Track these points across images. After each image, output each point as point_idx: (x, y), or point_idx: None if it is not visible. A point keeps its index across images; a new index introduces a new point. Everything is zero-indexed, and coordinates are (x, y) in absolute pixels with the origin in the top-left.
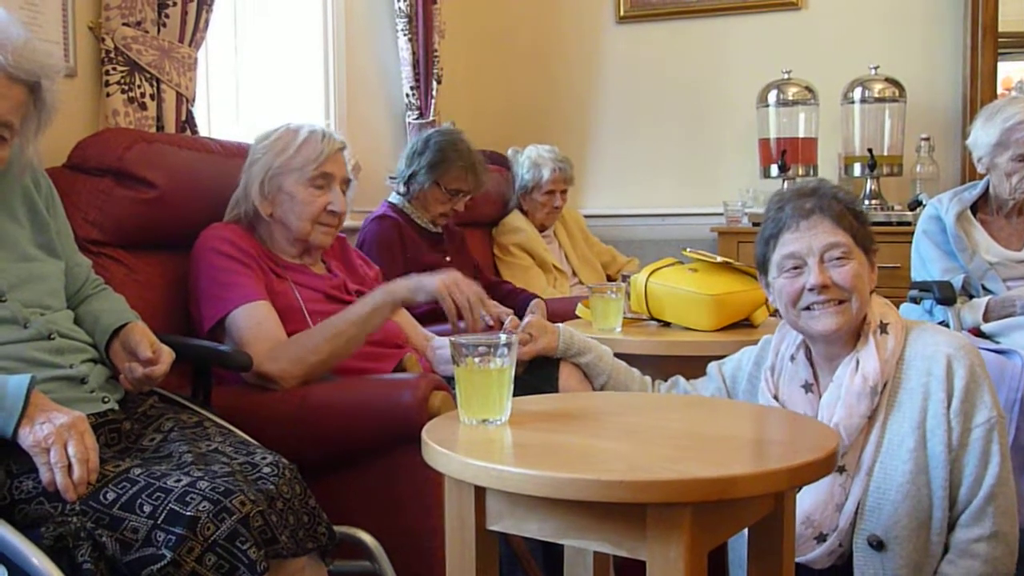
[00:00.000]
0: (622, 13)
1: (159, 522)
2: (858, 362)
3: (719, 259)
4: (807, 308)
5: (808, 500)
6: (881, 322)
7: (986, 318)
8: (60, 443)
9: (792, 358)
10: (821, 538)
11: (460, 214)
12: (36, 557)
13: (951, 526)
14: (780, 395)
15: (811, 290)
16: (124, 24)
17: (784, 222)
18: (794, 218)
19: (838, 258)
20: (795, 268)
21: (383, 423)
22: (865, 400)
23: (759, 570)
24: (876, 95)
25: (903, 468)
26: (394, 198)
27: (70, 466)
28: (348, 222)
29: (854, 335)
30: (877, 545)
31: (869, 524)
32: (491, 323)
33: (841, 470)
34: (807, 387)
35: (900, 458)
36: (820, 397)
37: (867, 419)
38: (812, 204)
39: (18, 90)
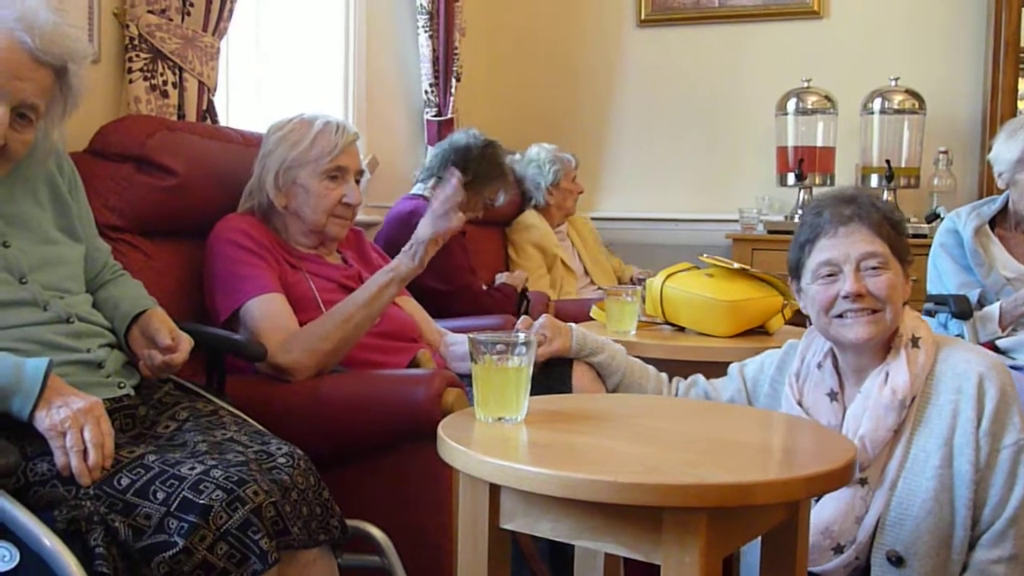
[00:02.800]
0: (643, 17)
1: (172, 509)
2: (888, 374)
3: (736, 265)
4: (839, 316)
5: (828, 511)
6: (913, 336)
7: (1002, 323)
8: (76, 427)
9: (819, 365)
10: (838, 549)
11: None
12: (49, 539)
13: (971, 545)
14: (804, 401)
15: (845, 298)
16: (149, 11)
17: (821, 227)
18: (832, 224)
19: (874, 267)
20: (830, 275)
21: (396, 418)
22: (893, 413)
23: None
24: (896, 106)
25: (927, 485)
26: (429, 193)
27: (85, 451)
28: (367, 217)
29: (884, 346)
30: (896, 561)
31: (889, 539)
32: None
33: (863, 483)
34: (832, 395)
35: (925, 475)
36: (844, 406)
37: (893, 433)
38: (851, 211)
39: (44, 73)
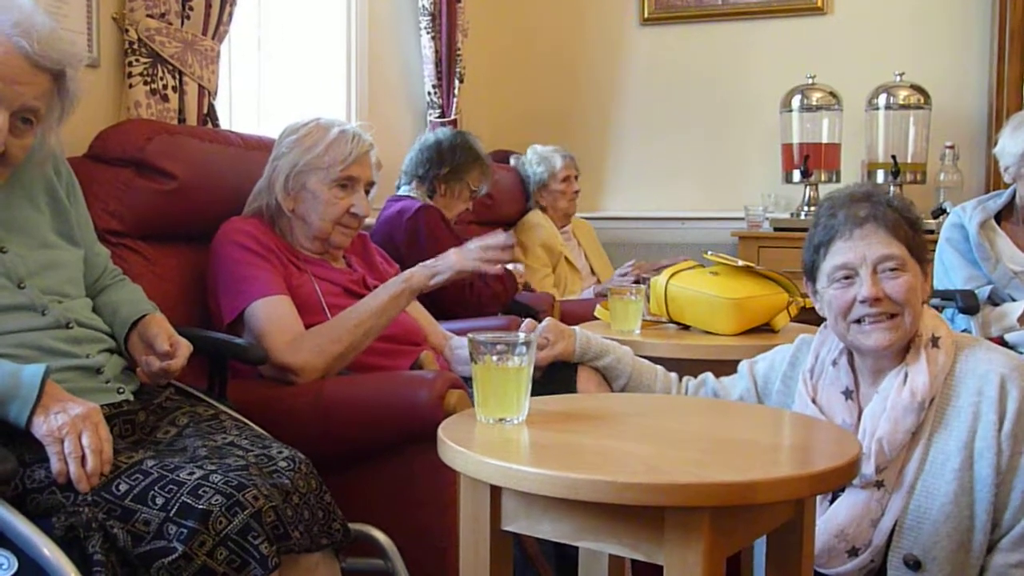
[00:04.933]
0: (646, 15)
1: (171, 515)
2: (907, 375)
3: (740, 263)
4: (857, 321)
5: (843, 513)
6: (933, 336)
7: (1022, 321)
8: (75, 433)
9: (834, 363)
10: (853, 552)
11: (483, 213)
12: (47, 547)
13: (989, 548)
14: (818, 399)
15: (863, 302)
16: (148, 15)
17: (836, 229)
18: (847, 226)
19: (892, 269)
20: (846, 278)
21: (398, 420)
22: (912, 415)
23: None
24: (901, 102)
25: (946, 488)
26: (410, 192)
27: (84, 457)
28: (370, 220)
29: (903, 348)
30: (914, 565)
31: (907, 543)
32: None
33: (879, 485)
34: (847, 394)
35: (944, 478)
36: (860, 405)
37: (912, 435)
38: (866, 212)
39: (43, 78)
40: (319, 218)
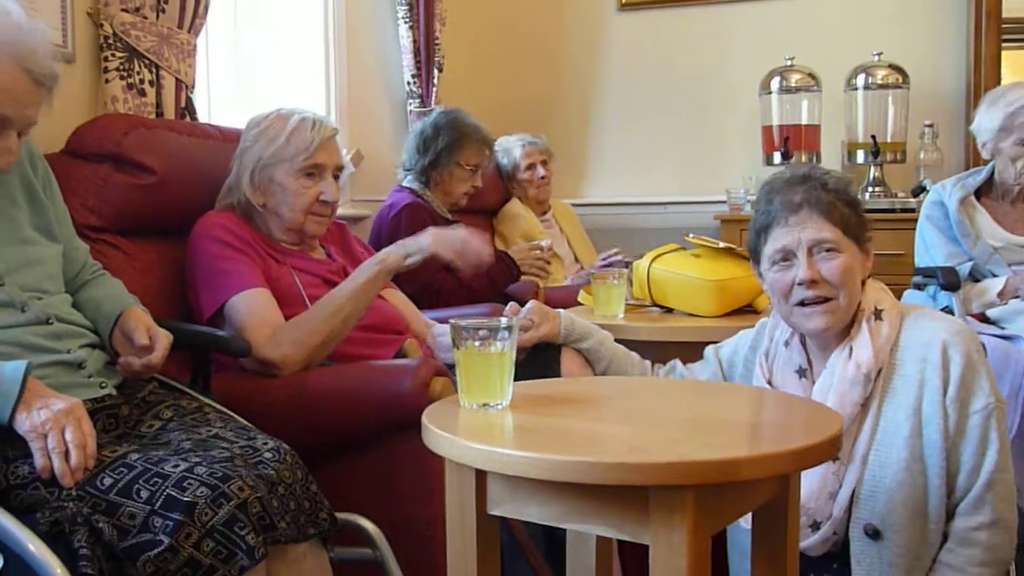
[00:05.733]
0: (623, 1)
1: (156, 508)
2: (852, 349)
3: (722, 245)
4: (799, 304)
5: (803, 488)
6: (876, 308)
7: (1003, 294)
8: (58, 429)
9: (786, 343)
10: (815, 526)
11: (467, 203)
12: (32, 543)
13: (949, 514)
14: (774, 380)
15: (800, 284)
16: (123, 10)
17: (774, 216)
18: (783, 212)
19: (827, 251)
20: (785, 260)
21: (383, 409)
22: (858, 387)
23: (764, 554)
24: (879, 81)
25: (898, 456)
26: (410, 183)
27: (67, 452)
28: (353, 211)
29: (848, 323)
30: (873, 534)
31: (864, 513)
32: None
33: (834, 458)
34: (801, 372)
35: (895, 446)
36: (813, 383)
37: (861, 407)
38: (801, 197)
39: (43, 91)
40: (289, 209)
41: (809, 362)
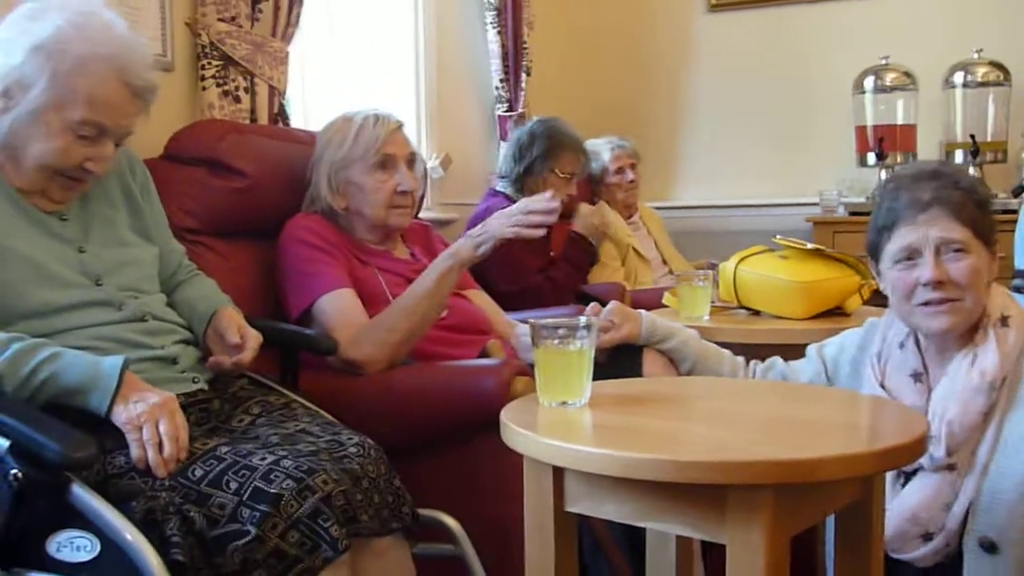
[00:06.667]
0: (713, 1)
1: (244, 499)
2: (975, 356)
3: (810, 246)
4: (921, 304)
5: (915, 497)
6: (1002, 315)
7: None
8: (152, 421)
9: (901, 345)
10: (927, 537)
11: None
12: (128, 530)
13: None
14: (887, 383)
15: (925, 285)
16: (219, 19)
17: (900, 213)
18: (911, 209)
19: (955, 251)
20: (909, 259)
21: (465, 408)
22: (982, 396)
23: (846, 559)
24: (979, 79)
25: (1021, 468)
26: (504, 188)
27: (161, 443)
28: (441, 215)
29: (970, 329)
30: (989, 547)
31: (981, 525)
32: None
33: (952, 468)
34: (916, 376)
35: (1018, 458)
36: (929, 387)
37: (983, 416)
38: (930, 195)
39: (140, 102)
40: (370, 206)
41: (925, 366)
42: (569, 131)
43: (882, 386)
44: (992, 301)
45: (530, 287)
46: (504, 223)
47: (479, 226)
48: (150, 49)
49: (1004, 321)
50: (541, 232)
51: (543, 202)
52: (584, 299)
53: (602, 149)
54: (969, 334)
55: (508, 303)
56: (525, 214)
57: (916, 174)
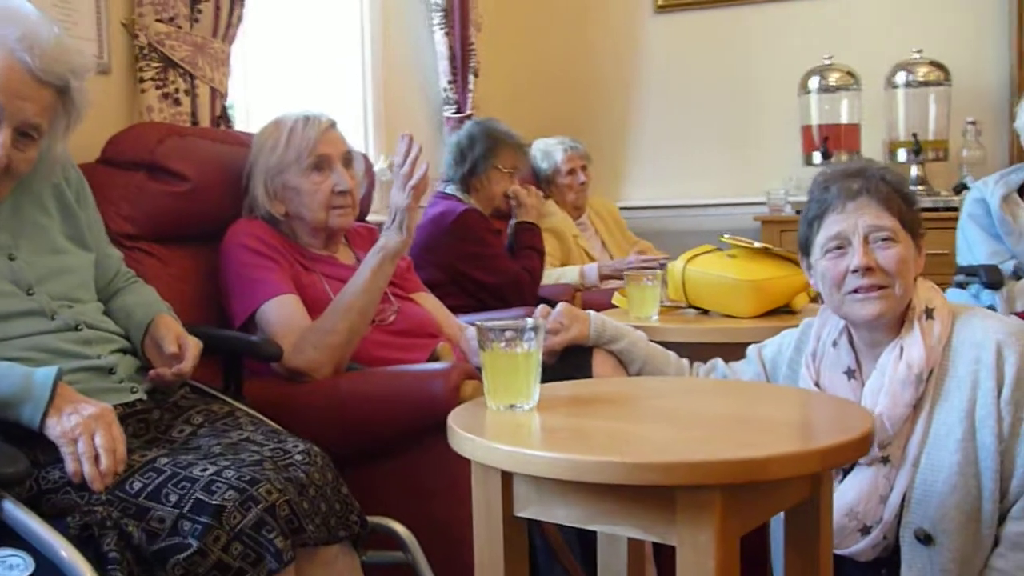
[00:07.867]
0: (659, 3)
1: (185, 511)
2: (902, 349)
3: (757, 245)
4: (851, 292)
5: (851, 492)
6: (927, 307)
7: None
8: (88, 434)
9: (834, 343)
10: (865, 531)
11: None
12: (62, 547)
13: (1001, 518)
14: (821, 381)
15: (855, 272)
16: (157, 20)
17: (829, 203)
18: (840, 199)
19: (884, 239)
20: (839, 248)
21: (414, 413)
22: (910, 388)
23: (795, 557)
24: (920, 79)
25: (951, 459)
26: (452, 191)
27: (97, 456)
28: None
29: (898, 321)
30: (924, 538)
31: (916, 517)
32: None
33: (885, 461)
34: (849, 373)
35: (948, 449)
36: (863, 384)
37: (912, 408)
38: (859, 185)
39: (47, 92)
40: (309, 210)
41: (858, 363)
42: (506, 129)
43: (817, 384)
44: (917, 295)
45: (513, 274)
46: (400, 193)
47: (389, 214)
48: (66, 40)
49: (929, 313)
50: (423, 168)
51: (402, 146)
52: (535, 300)
53: (555, 149)
54: (896, 327)
55: (501, 296)
56: (401, 169)
57: (845, 170)
